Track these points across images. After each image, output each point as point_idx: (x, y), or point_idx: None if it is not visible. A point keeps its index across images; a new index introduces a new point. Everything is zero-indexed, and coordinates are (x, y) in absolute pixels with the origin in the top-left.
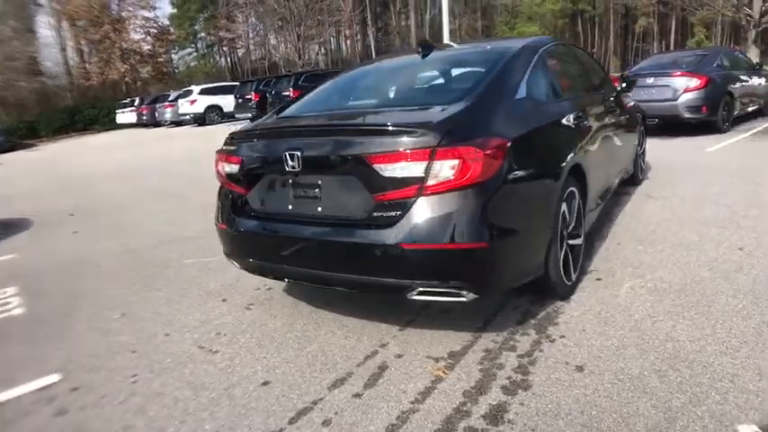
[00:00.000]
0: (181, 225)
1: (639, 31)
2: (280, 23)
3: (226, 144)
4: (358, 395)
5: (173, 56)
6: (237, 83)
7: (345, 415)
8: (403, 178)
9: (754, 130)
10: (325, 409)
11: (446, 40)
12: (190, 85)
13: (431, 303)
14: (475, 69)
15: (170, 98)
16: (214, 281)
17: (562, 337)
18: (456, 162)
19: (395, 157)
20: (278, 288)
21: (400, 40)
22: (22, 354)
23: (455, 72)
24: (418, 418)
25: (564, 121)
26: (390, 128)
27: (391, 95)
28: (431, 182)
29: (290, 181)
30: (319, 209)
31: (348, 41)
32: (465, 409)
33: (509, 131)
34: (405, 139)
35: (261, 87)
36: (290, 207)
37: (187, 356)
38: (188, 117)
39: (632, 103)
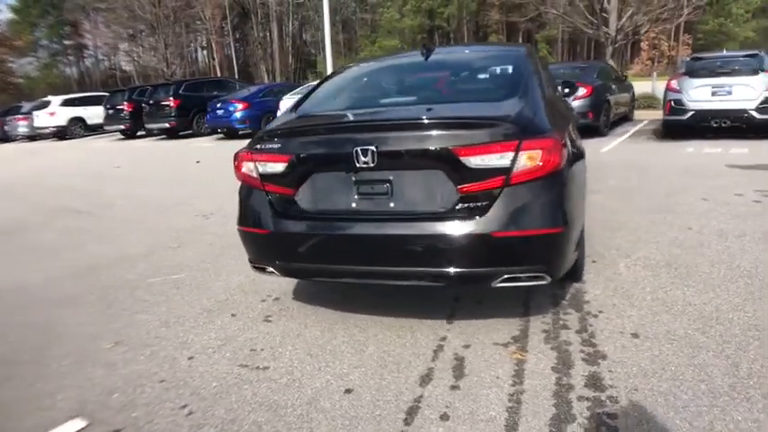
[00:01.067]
0: (113, 243)
1: None
2: (144, 31)
3: (262, 142)
4: (455, 387)
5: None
6: (107, 93)
7: (458, 407)
8: (490, 169)
9: (629, 134)
10: (432, 404)
11: (328, 51)
12: (46, 96)
13: (461, 296)
14: (497, 70)
15: (23, 110)
16: (205, 297)
17: (600, 312)
18: (539, 153)
19: (484, 149)
20: (285, 297)
21: (262, 50)
22: (15, 400)
23: (478, 72)
24: (529, 397)
25: (568, 116)
26: (480, 121)
27: (427, 93)
28: (516, 172)
29: (354, 178)
30: (392, 204)
31: (206, 51)
32: (565, 382)
33: (562, 125)
34: (493, 131)
35: (134, 97)
36: (354, 205)
37: (235, 377)
38: (47, 131)
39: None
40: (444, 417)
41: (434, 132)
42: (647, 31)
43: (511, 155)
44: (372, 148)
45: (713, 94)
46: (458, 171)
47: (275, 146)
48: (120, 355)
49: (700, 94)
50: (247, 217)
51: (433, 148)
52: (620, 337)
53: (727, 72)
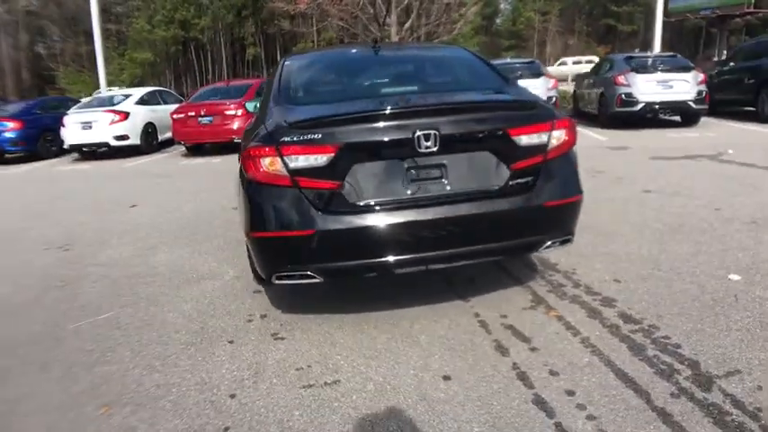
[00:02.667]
0: None
1: (250, 59)
2: None
3: (290, 134)
4: (534, 348)
5: None
6: None
7: (555, 362)
8: (534, 146)
9: None
10: (533, 366)
11: (100, 63)
12: None
13: (454, 278)
14: (466, 63)
15: None
16: (170, 331)
17: (574, 270)
18: (564, 131)
19: (531, 128)
20: (272, 312)
21: None
22: None
23: (450, 64)
24: (598, 339)
25: None
26: (525, 103)
27: (420, 82)
28: (551, 148)
29: (406, 165)
30: (448, 187)
31: None
32: (609, 323)
33: None
34: (534, 112)
35: None
36: (409, 192)
37: (313, 399)
38: None
39: None
40: (553, 372)
41: (491, 114)
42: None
43: (548, 133)
44: (435, 131)
45: (659, 87)
46: (509, 150)
47: (315, 136)
48: (133, 419)
49: (648, 88)
50: (271, 220)
51: (490, 129)
52: (608, 284)
53: (667, 69)
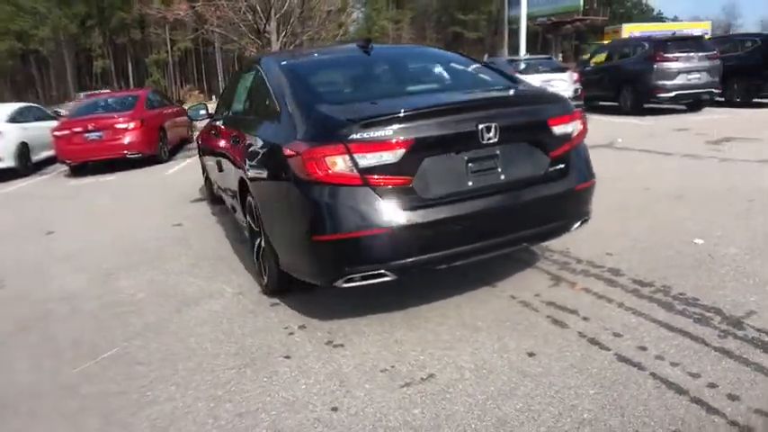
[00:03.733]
0: None
1: (99, 71)
2: None
3: (359, 131)
4: (586, 318)
5: None
6: None
7: (613, 326)
8: (565, 135)
9: None
10: (598, 333)
11: None
12: None
13: (467, 269)
14: (462, 62)
15: None
16: (208, 357)
17: (568, 248)
18: (579, 121)
19: (563, 119)
20: (310, 322)
21: None
22: None
23: (442, 64)
24: (633, 304)
25: None
26: (557, 97)
27: (435, 81)
28: (574, 137)
29: (465, 157)
30: (502, 177)
31: None
32: (631, 288)
33: None
34: (563, 105)
35: None
36: (471, 183)
37: (421, 398)
38: None
39: None
40: (616, 334)
41: (533, 107)
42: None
43: (572, 123)
44: (495, 124)
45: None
46: (548, 139)
47: (385, 133)
48: None
49: None
50: (342, 222)
51: (535, 120)
52: (604, 258)
53: (547, 70)
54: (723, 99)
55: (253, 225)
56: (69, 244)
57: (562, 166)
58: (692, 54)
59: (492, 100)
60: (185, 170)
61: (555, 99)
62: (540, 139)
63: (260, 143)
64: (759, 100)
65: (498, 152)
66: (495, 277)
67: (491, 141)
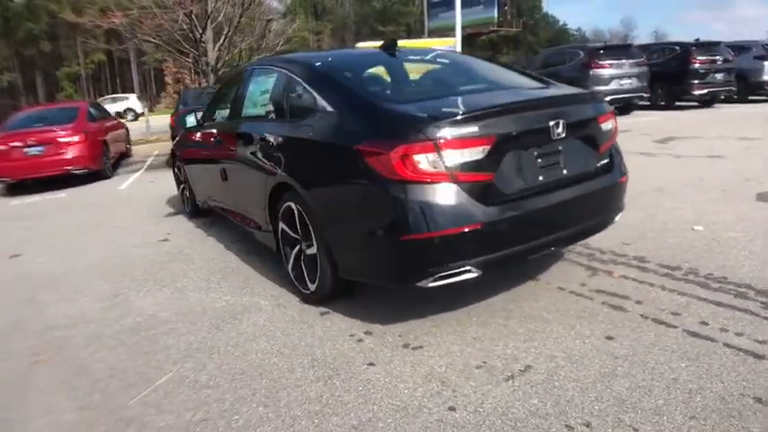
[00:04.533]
0: None
1: (5, 85)
2: None
3: (447, 128)
4: (639, 302)
5: None
6: None
7: (665, 308)
8: (608, 132)
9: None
10: (652, 312)
11: None
12: None
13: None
14: (485, 64)
15: None
16: (283, 371)
17: (626, 244)
18: (614, 119)
19: (607, 116)
20: (377, 327)
21: None
22: None
23: (474, 65)
24: (671, 285)
25: None
26: (600, 96)
27: (480, 81)
28: (612, 134)
29: (535, 152)
30: (564, 171)
31: None
32: (664, 272)
33: None
34: (605, 103)
35: None
36: (541, 178)
37: (528, 388)
38: None
39: None
40: (674, 313)
41: (587, 105)
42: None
43: (612, 121)
44: (563, 120)
45: None
46: (598, 135)
47: (473, 130)
48: None
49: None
50: (431, 220)
51: (590, 117)
52: (623, 247)
53: None
54: (648, 103)
55: (290, 233)
56: (47, 267)
57: (607, 161)
58: (623, 61)
59: (559, 98)
60: (138, 185)
61: (600, 98)
62: (592, 136)
63: (311, 145)
64: (680, 103)
65: (560, 148)
66: (536, 271)
67: (559, 137)
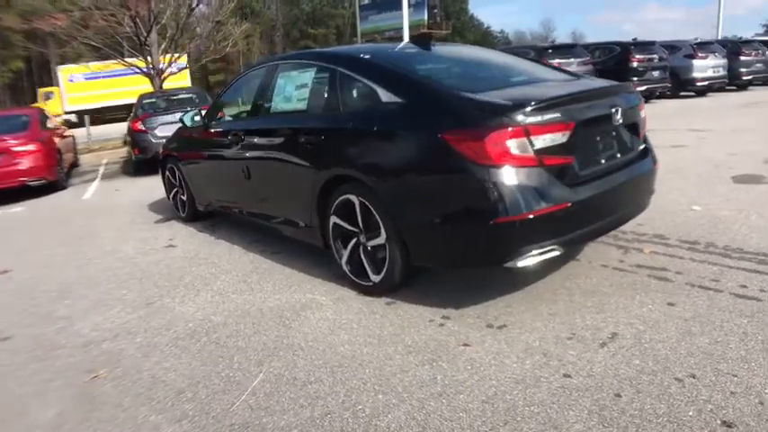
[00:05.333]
0: None
1: None
2: None
3: (533, 115)
4: (679, 272)
5: None
6: None
7: (725, 279)
8: (643, 119)
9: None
10: (696, 282)
11: None
12: None
13: None
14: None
15: None
16: (380, 358)
17: (639, 224)
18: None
19: (642, 105)
20: (447, 312)
21: None
22: None
23: (507, 59)
24: (700, 257)
25: None
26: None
27: (520, 73)
28: (645, 121)
29: (597, 137)
30: (618, 155)
31: None
32: (688, 247)
33: None
34: (637, 93)
35: None
36: (603, 161)
37: (636, 351)
38: None
39: None
40: (715, 280)
41: (633, 94)
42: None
43: (644, 110)
44: (620, 108)
45: None
46: (638, 122)
47: (556, 115)
48: None
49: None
50: (524, 202)
51: (635, 105)
52: (639, 227)
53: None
54: None
55: (347, 226)
56: (46, 281)
57: (644, 146)
58: (570, 60)
59: (612, 87)
60: (104, 194)
61: (635, 89)
62: (636, 123)
63: (380, 136)
64: None
65: (615, 133)
66: (574, 254)
67: (617, 123)
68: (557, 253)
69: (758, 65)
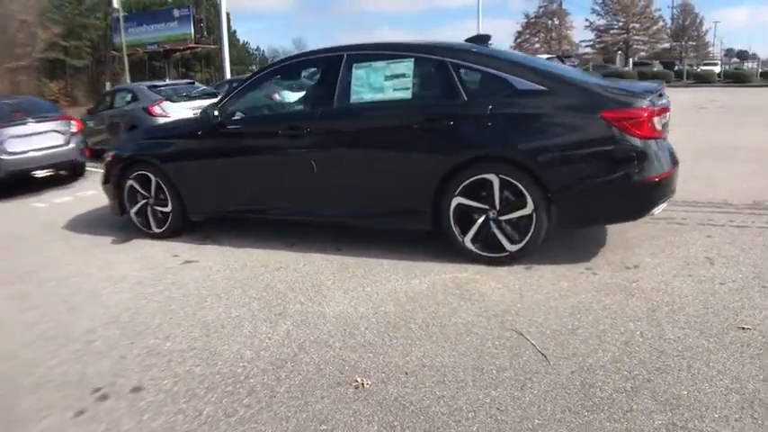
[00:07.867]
0: None
1: None
2: None
3: (653, 101)
4: (709, 237)
5: None
6: None
7: (755, 243)
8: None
9: None
10: (719, 258)
11: None
12: None
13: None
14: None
15: None
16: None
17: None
18: None
19: None
20: (589, 263)
21: None
22: None
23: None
24: (722, 224)
25: None
26: None
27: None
28: None
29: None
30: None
31: None
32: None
33: None
34: None
35: None
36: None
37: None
38: None
39: None
40: (713, 260)
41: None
42: None
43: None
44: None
45: None
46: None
47: (666, 102)
48: None
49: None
50: (665, 164)
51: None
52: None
53: (198, 96)
54: None
55: (476, 204)
56: (64, 314)
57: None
58: None
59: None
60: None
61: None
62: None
63: (527, 118)
64: None
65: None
66: (602, 230)
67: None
68: (666, 205)
69: None
